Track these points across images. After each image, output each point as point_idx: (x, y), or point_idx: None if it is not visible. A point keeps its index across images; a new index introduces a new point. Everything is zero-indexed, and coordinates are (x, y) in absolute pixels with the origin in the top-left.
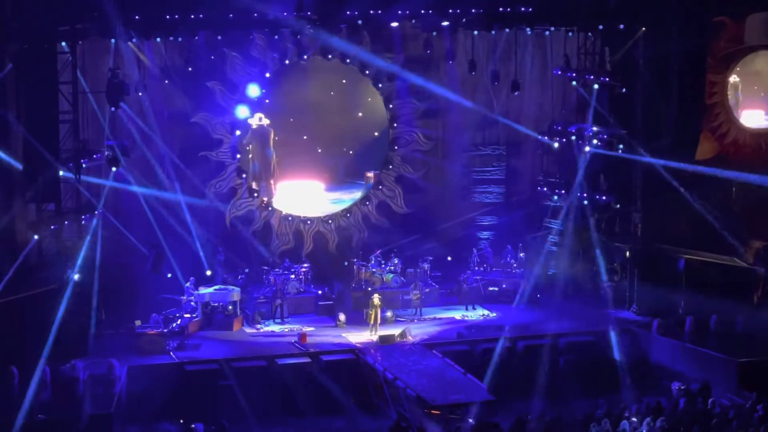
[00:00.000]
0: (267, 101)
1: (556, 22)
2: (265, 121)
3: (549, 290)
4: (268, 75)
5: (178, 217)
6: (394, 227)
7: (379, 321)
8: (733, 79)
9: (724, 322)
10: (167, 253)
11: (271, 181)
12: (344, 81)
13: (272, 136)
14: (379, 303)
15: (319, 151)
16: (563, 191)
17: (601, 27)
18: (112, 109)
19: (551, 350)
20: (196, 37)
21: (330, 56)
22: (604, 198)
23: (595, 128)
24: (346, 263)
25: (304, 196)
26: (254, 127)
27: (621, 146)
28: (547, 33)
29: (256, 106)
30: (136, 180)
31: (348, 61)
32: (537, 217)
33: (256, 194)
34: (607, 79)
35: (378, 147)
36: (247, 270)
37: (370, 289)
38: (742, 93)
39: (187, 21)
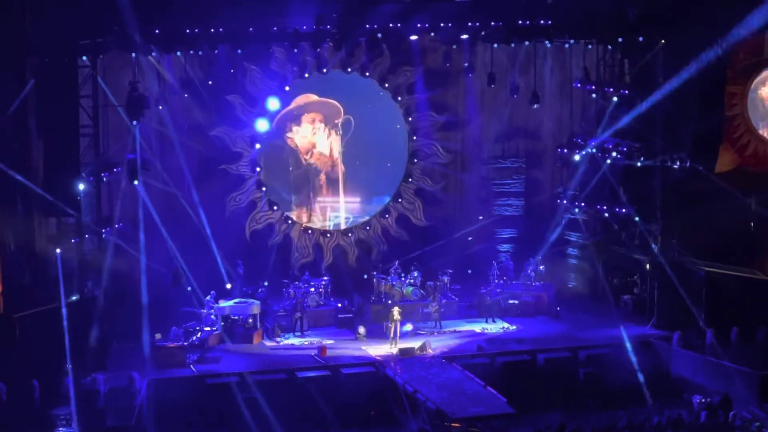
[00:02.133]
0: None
1: (576, 35)
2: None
3: (569, 303)
4: (287, 88)
5: (197, 230)
6: (413, 240)
7: (399, 334)
8: (765, 91)
9: (746, 335)
10: (185, 268)
11: (311, 194)
12: (381, 93)
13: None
14: (399, 316)
15: (357, 163)
16: (583, 204)
17: (620, 39)
18: (133, 122)
19: (571, 363)
20: (216, 51)
21: (349, 69)
22: (623, 210)
23: (614, 140)
24: (365, 276)
25: (342, 209)
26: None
27: (641, 158)
28: (566, 46)
29: (296, 118)
30: (156, 193)
31: (367, 74)
32: (557, 230)
33: (275, 207)
34: (627, 91)
35: None
36: (266, 283)
37: (390, 302)
38: None
39: (206, 35)
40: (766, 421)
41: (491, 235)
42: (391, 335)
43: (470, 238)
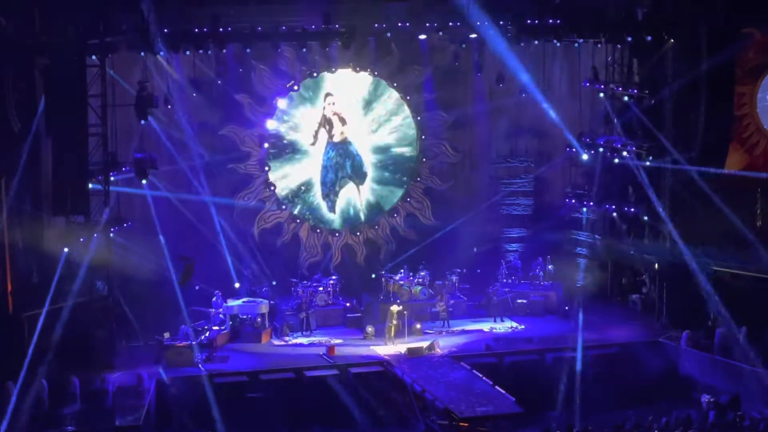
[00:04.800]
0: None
1: (585, 34)
2: None
3: (577, 302)
4: (296, 88)
5: (206, 229)
6: (421, 239)
7: (396, 332)
8: None
9: (754, 335)
10: (197, 264)
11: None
12: (390, 92)
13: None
14: (397, 315)
15: (365, 163)
16: (591, 203)
17: (629, 39)
18: (142, 121)
19: (579, 362)
20: (225, 50)
21: (358, 69)
22: (632, 210)
23: (623, 140)
24: (373, 275)
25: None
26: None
27: (650, 158)
28: (575, 45)
29: (305, 115)
30: (165, 191)
31: (376, 73)
32: (565, 229)
33: (284, 206)
34: (636, 90)
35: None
36: (274, 282)
37: (398, 301)
38: None
39: (215, 34)
40: None
41: (500, 234)
42: (391, 334)
43: (475, 249)
